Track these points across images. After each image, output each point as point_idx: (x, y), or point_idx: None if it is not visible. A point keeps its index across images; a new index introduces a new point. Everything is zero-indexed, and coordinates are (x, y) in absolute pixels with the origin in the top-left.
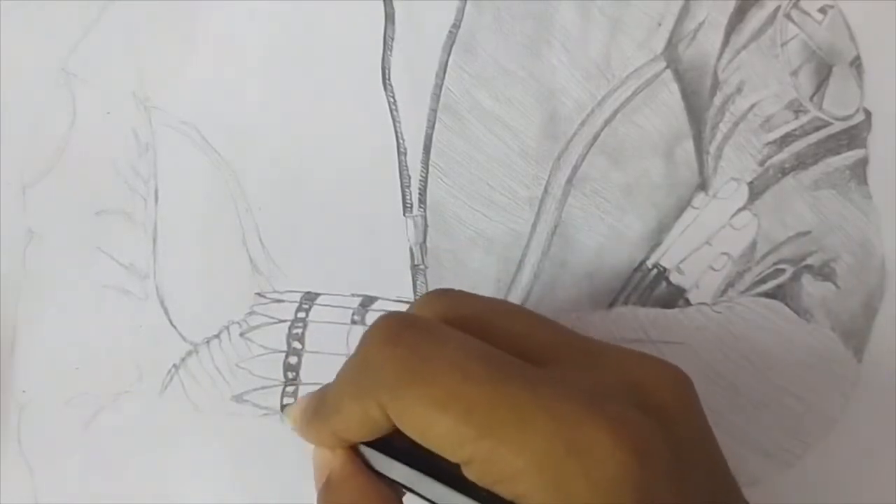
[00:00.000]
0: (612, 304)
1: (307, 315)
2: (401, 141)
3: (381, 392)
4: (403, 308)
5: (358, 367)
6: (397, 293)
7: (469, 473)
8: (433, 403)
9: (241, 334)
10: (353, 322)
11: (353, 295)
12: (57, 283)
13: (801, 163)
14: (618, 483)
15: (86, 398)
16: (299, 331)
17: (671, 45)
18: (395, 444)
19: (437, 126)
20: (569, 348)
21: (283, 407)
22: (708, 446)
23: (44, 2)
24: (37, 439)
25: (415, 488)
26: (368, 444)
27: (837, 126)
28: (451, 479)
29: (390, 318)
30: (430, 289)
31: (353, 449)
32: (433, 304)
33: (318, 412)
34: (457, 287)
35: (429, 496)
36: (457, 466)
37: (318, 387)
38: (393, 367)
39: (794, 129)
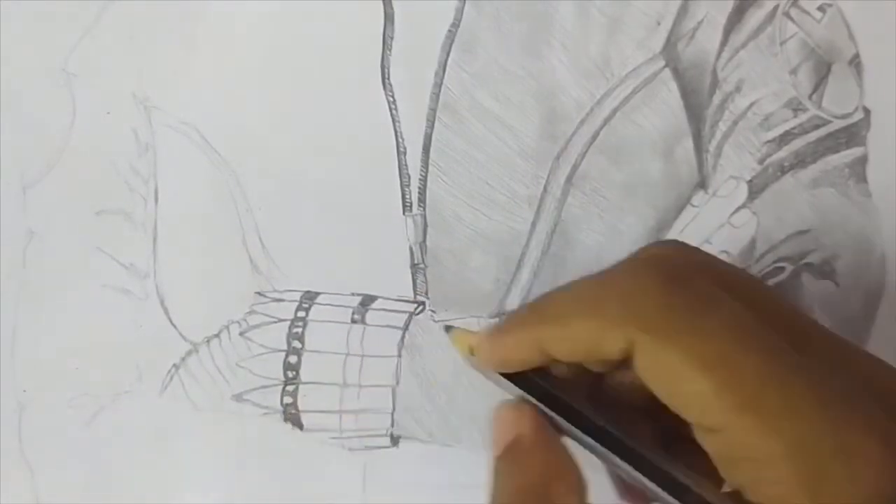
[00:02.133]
0: None
1: (307, 314)
2: (400, 140)
3: (643, 330)
4: (405, 306)
5: (614, 290)
6: (397, 292)
7: (710, 443)
8: (699, 360)
9: (241, 333)
10: (353, 321)
11: (352, 294)
12: (57, 283)
13: (801, 161)
14: (884, 496)
15: (86, 398)
16: (299, 330)
17: (670, 44)
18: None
19: (436, 125)
20: (823, 341)
21: (447, 328)
22: None
23: (44, 2)
24: (37, 439)
25: (583, 441)
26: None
27: (836, 124)
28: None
29: (670, 253)
30: (431, 288)
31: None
32: (687, 256)
33: (526, 318)
34: (456, 285)
35: (610, 457)
36: (633, 425)
37: (317, 386)
38: (666, 309)
39: (794, 128)
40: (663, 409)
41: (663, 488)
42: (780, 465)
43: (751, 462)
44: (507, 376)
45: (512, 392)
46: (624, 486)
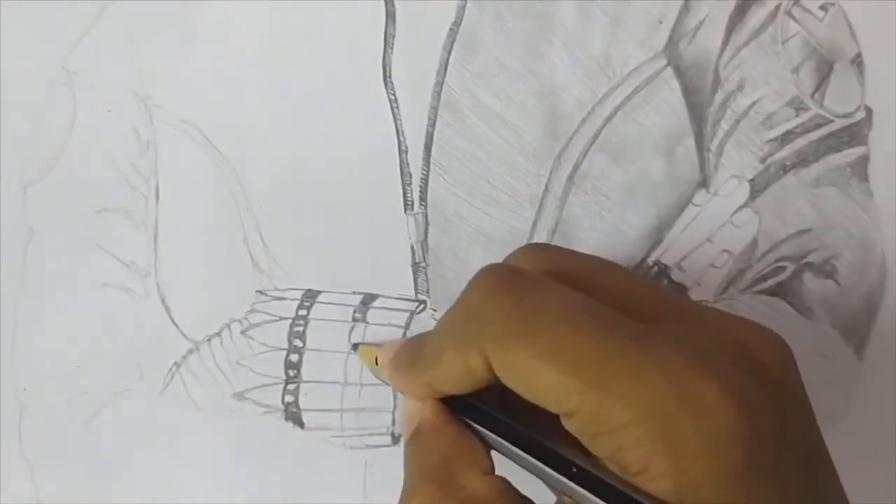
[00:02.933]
0: None
1: (308, 313)
2: (402, 139)
3: (487, 342)
4: (406, 305)
5: (461, 317)
6: (398, 291)
7: (571, 426)
8: (541, 355)
9: (243, 332)
10: (355, 320)
11: (354, 292)
12: (57, 282)
13: (803, 160)
14: (728, 439)
15: (87, 397)
16: (300, 328)
17: (672, 42)
18: (481, 401)
19: (437, 124)
20: (670, 306)
21: (354, 346)
22: (808, 416)
23: (44, 2)
24: (38, 438)
25: (502, 446)
26: (457, 398)
27: (838, 123)
28: (535, 442)
29: (496, 269)
30: (432, 287)
31: (443, 399)
32: (531, 258)
33: (413, 363)
34: (457, 284)
35: (518, 455)
36: (549, 426)
37: (318, 384)
38: (500, 317)
39: (796, 127)
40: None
41: (550, 466)
42: (632, 429)
43: (608, 434)
44: None
45: None
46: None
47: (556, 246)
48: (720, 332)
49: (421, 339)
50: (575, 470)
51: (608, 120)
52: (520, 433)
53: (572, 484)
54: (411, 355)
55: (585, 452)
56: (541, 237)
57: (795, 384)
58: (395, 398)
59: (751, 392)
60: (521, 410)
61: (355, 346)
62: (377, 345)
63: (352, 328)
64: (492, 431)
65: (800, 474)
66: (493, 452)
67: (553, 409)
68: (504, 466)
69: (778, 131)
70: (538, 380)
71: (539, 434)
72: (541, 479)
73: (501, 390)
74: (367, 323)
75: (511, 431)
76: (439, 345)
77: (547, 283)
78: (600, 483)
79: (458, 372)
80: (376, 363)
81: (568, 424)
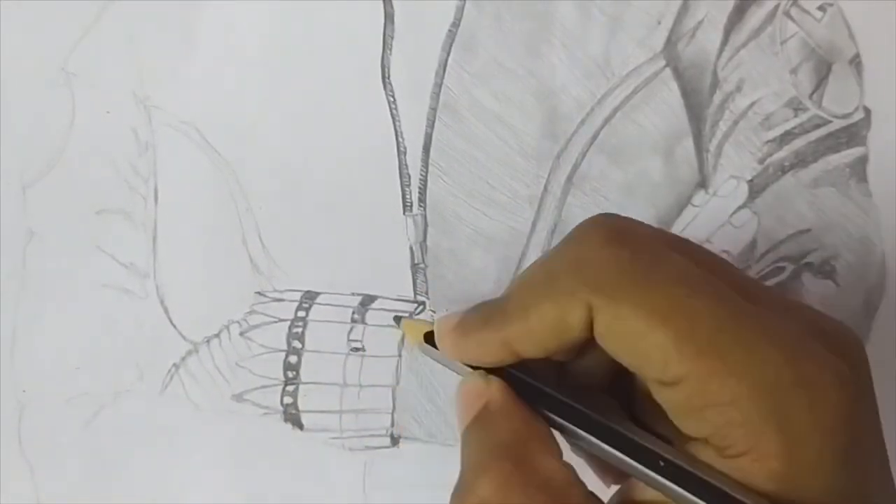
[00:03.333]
0: None
1: (307, 314)
2: (400, 140)
3: (596, 293)
4: (405, 306)
5: (564, 265)
6: (397, 292)
7: (672, 397)
8: (654, 313)
9: (242, 333)
10: (354, 321)
11: (353, 294)
12: (57, 283)
13: (801, 161)
14: (840, 423)
15: (86, 397)
16: (299, 330)
17: (670, 43)
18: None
19: (436, 125)
20: (769, 294)
21: (396, 319)
22: (876, 407)
23: (44, 2)
24: (37, 439)
25: (572, 432)
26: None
27: (837, 124)
28: (614, 431)
29: (609, 218)
30: (431, 288)
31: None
32: (630, 219)
33: (487, 323)
34: (456, 285)
35: (592, 443)
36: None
37: (317, 386)
38: (615, 268)
39: (794, 127)
40: (619, 389)
41: (636, 459)
42: (746, 405)
43: (716, 408)
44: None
45: None
46: (601, 468)
47: (644, 223)
48: (812, 320)
49: (495, 300)
50: (662, 464)
51: (607, 121)
52: (594, 420)
53: (660, 478)
54: (484, 315)
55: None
56: (539, 238)
57: (870, 376)
58: (393, 399)
59: (854, 380)
60: (572, 389)
61: (397, 319)
62: (425, 321)
63: (350, 329)
64: (561, 417)
65: (880, 464)
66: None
67: (656, 374)
68: None
69: (776, 132)
70: (647, 339)
71: (590, 409)
72: (618, 468)
73: (557, 371)
74: (365, 324)
75: (584, 418)
76: (529, 296)
77: (660, 241)
78: (693, 478)
79: (549, 326)
80: (424, 340)
81: (667, 395)
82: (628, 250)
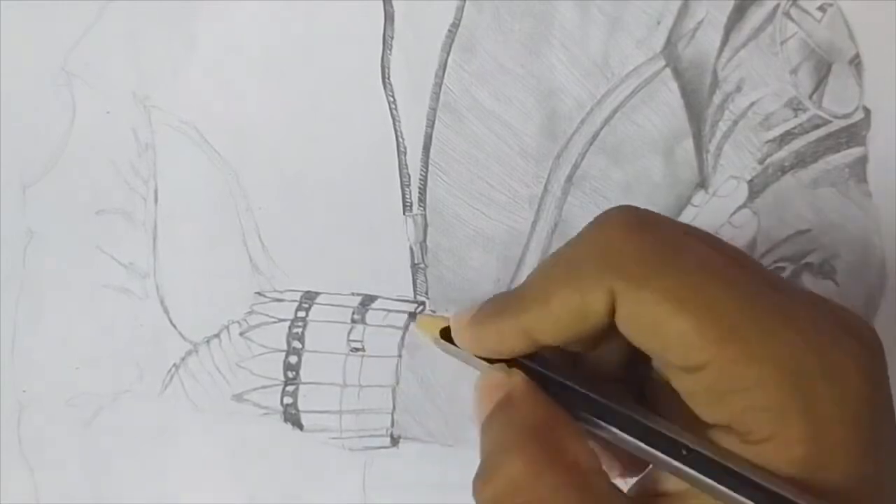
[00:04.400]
0: None
1: (307, 314)
2: (400, 140)
3: (618, 279)
4: (405, 306)
5: (587, 251)
6: (397, 292)
7: (695, 383)
8: (677, 298)
9: (241, 333)
10: (354, 321)
11: (353, 294)
12: (57, 283)
13: (801, 161)
14: (864, 409)
15: (86, 398)
16: (299, 330)
17: (670, 43)
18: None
19: (436, 125)
20: (791, 286)
21: (412, 315)
22: (891, 396)
23: (44, 1)
24: (37, 439)
25: (594, 423)
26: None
27: (837, 124)
28: (635, 420)
29: (631, 208)
30: (431, 288)
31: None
32: (650, 211)
33: (505, 310)
34: (456, 284)
35: (615, 434)
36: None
37: (317, 386)
38: (638, 254)
39: (794, 128)
40: (632, 380)
41: (658, 449)
42: (770, 390)
43: (739, 393)
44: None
45: None
46: (617, 460)
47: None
48: (833, 310)
49: (512, 290)
50: (685, 452)
51: (607, 121)
52: (615, 409)
53: (684, 467)
54: (503, 304)
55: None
56: (540, 238)
57: (886, 368)
58: (393, 399)
59: (877, 370)
60: (588, 381)
61: (413, 316)
62: (441, 316)
63: (350, 329)
64: (581, 409)
65: (894, 452)
66: None
67: (678, 360)
68: None
69: (776, 132)
70: (669, 326)
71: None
72: (637, 458)
73: (572, 363)
74: (366, 324)
75: (604, 409)
76: (550, 281)
77: (682, 231)
78: (717, 466)
79: (570, 312)
80: (441, 336)
81: (689, 381)
82: (651, 237)
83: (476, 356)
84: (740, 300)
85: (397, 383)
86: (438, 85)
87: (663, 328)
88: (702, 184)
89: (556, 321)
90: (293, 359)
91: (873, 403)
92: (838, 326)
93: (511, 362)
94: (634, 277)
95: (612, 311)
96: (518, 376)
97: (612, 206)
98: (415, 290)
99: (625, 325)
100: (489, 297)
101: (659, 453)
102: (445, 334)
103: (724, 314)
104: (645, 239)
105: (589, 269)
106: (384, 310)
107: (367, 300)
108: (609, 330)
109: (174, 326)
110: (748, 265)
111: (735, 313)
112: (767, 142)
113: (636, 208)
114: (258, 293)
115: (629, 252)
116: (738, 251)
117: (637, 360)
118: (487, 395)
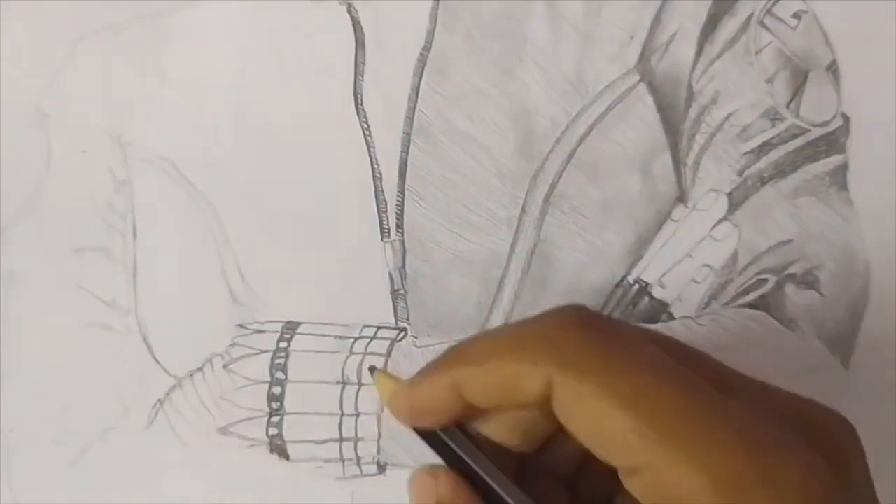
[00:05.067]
0: None
1: (289, 344)
2: (376, 166)
3: (560, 367)
4: (387, 333)
5: (535, 333)
6: (378, 319)
7: (632, 484)
8: (618, 396)
9: (225, 366)
10: (336, 350)
11: (334, 323)
12: (39, 323)
13: (780, 171)
14: None
15: (72, 436)
16: (282, 360)
17: (644, 58)
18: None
19: (411, 149)
20: (744, 384)
21: (371, 370)
22: (870, 492)
23: (16, 43)
24: (25, 479)
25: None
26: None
27: (815, 132)
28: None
29: (585, 308)
30: (412, 314)
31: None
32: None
33: (444, 359)
34: (437, 309)
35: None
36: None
37: (302, 416)
38: (585, 348)
39: (772, 138)
40: (585, 482)
41: None
42: (706, 497)
43: (677, 499)
44: (422, 435)
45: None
46: None
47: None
48: (793, 410)
49: (464, 341)
50: None
51: (583, 138)
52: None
53: None
54: (440, 358)
55: None
56: (519, 259)
57: (864, 468)
58: (379, 427)
59: (826, 475)
60: (531, 479)
61: (372, 370)
62: (397, 377)
63: (333, 358)
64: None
65: None
66: None
67: (616, 460)
68: None
69: (754, 143)
70: (609, 423)
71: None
72: None
73: (518, 465)
74: (348, 353)
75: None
76: (491, 345)
77: (636, 333)
78: None
79: (503, 379)
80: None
81: (632, 484)
82: (602, 335)
83: (412, 428)
84: (684, 403)
85: (382, 410)
86: (412, 109)
87: (602, 424)
88: (681, 198)
89: (487, 384)
90: (277, 389)
91: None
92: (794, 429)
93: (439, 440)
94: (577, 370)
95: (547, 399)
96: (444, 481)
97: (591, 223)
98: (396, 317)
99: (564, 416)
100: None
101: None
102: None
103: (664, 415)
104: (596, 335)
105: (532, 348)
106: (366, 337)
107: (349, 329)
108: (555, 434)
109: (157, 362)
110: (703, 367)
111: (677, 416)
112: (746, 153)
113: (586, 308)
114: (240, 325)
115: (575, 345)
116: (695, 352)
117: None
118: (418, 497)
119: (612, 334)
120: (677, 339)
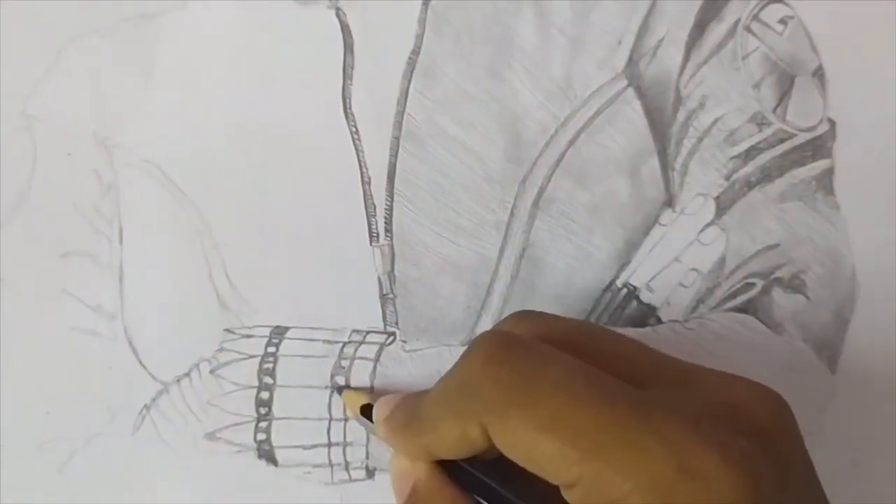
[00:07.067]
0: None
1: (277, 349)
2: (364, 170)
3: (484, 413)
4: (376, 338)
5: (458, 387)
6: (367, 323)
7: (571, 497)
8: (538, 425)
9: (212, 371)
10: (324, 354)
11: (322, 327)
12: (24, 328)
13: (767, 175)
14: None
15: (58, 442)
16: (270, 365)
17: (632, 62)
18: (477, 461)
19: (400, 153)
20: (663, 368)
21: (339, 389)
22: (808, 470)
23: (1, 46)
24: (11, 486)
25: None
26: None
27: (802, 137)
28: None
29: (492, 337)
30: (401, 318)
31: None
32: (523, 324)
33: (409, 426)
34: (426, 314)
35: None
36: (548, 490)
37: (290, 421)
38: (496, 388)
39: (759, 142)
40: None
41: None
42: (633, 500)
43: None
44: None
45: None
46: None
47: (542, 312)
48: (714, 393)
49: (417, 399)
50: None
51: (571, 143)
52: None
53: None
54: (407, 416)
55: None
56: (508, 263)
57: (794, 439)
58: (367, 432)
59: (750, 457)
60: (522, 475)
61: (339, 390)
62: (365, 391)
63: (321, 363)
64: (487, 500)
65: None
66: None
67: (553, 480)
68: None
69: (741, 147)
70: (537, 450)
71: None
72: None
73: (501, 455)
74: (336, 357)
75: (506, 501)
76: (436, 411)
77: (543, 349)
78: None
79: (455, 439)
80: (361, 412)
81: (568, 495)
82: (508, 367)
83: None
84: (599, 417)
85: None
86: (401, 113)
87: (532, 453)
88: (669, 202)
89: (447, 445)
90: (265, 394)
91: (752, 497)
92: (716, 415)
93: None
94: (496, 410)
95: (490, 438)
96: (423, 470)
97: (580, 228)
98: (384, 321)
99: (504, 450)
100: (402, 397)
101: None
102: (366, 410)
103: (584, 434)
104: (501, 371)
105: (460, 404)
106: (354, 342)
107: (338, 333)
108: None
109: (144, 367)
110: (619, 363)
111: (594, 432)
112: (733, 158)
113: (497, 336)
114: (227, 330)
115: (489, 386)
116: (611, 346)
117: None
118: (398, 485)
119: (519, 362)
120: (596, 328)
